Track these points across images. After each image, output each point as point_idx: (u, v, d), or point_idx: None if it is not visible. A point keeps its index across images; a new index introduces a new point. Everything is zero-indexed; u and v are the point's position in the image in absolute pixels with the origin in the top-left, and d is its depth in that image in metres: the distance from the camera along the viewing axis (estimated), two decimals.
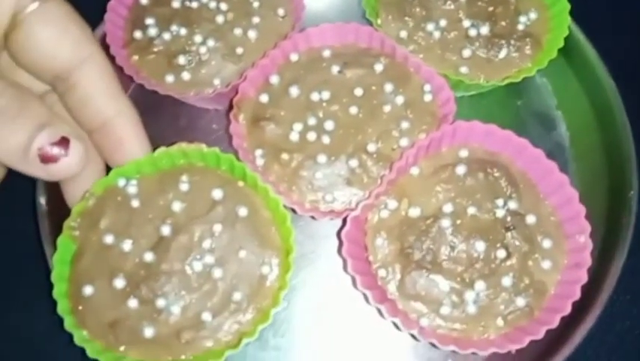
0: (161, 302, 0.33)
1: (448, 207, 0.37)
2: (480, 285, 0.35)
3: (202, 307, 0.34)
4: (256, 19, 0.43)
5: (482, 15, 0.43)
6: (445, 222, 0.36)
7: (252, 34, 0.43)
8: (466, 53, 0.43)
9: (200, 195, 0.36)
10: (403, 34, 0.43)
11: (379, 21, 0.43)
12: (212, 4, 0.43)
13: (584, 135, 0.46)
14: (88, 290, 0.34)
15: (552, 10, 0.44)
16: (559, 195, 0.38)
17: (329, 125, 0.39)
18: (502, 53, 0.43)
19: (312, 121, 0.40)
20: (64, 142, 0.23)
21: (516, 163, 0.39)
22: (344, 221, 0.37)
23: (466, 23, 0.43)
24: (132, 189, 0.36)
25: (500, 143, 0.39)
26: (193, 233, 0.35)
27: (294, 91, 0.40)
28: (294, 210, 0.39)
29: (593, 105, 0.45)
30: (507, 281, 0.36)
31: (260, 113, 0.40)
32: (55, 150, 0.23)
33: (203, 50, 0.42)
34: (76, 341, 0.32)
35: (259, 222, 0.36)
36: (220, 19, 0.43)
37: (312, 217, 0.39)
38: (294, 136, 0.39)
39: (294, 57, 0.42)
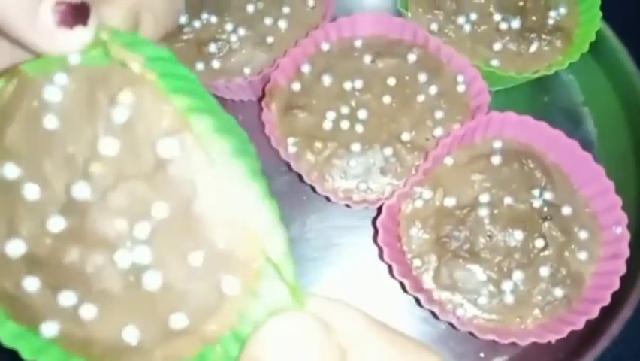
0: (66, 297, 0.18)
1: (484, 197, 0.37)
2: (518, 275, 0.35)
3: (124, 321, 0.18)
4: (286, 9, 0.43)
5: (512, 9, 0.43)
6: (483, 212, 0.36)
7: (282, 23, 0.43)
8: (497, 46, 0.43)
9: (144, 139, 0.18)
10: (434, 26, 0.43)
11: (410, 13, 0.43)
12: None
13: (611, 131, 0.46)
14: None
15: (582, 5, 0.44)
16: (594, 186, 0.38)
17: (362, 114, 0.39)
18: (533, 47, 0.43)
19: (344, 110, 0.39)
20: (84, 7, 0.16)
21: (550, 154, 0.39)
22: (378, 210, 0.37)
23: (497, 17, 0.43)
24: (53, 94, 0.17)
25: (534, 134, 0.39)
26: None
27: (327, 80, 0.40)
28: (327, 199, 0.38)
29: (621, 101, 0.45)
30: (545, 271, 0.35)
31: (292, 102, 0.40)
32: (75, 13, 0.16)
33: (233, 38, 0.42)
34: None
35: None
36: (251, 8, 0.43)
37: (347, 205, 0.38)
38: (327, 124, 0.39)
39: (325, 46, 0.42)
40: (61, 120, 0.17)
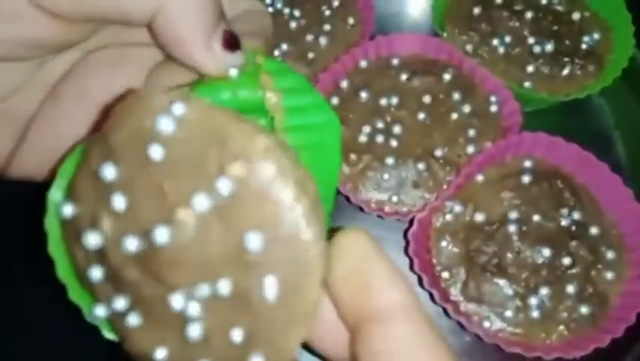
0: (119, 300, 0.18)
1: (513, 214, 0.38)
2: (544, 291, 0.36)
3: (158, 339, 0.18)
4: (327, 27, 0.45)
5: (546, 33, 0.45)
6: (511, 228, 0.37)
7: (322, 40, 0.45)
8: (530, 68, 0.44)
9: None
10: (469, 47, 0.45)
11: (446, 34, 0.45)
12: (286, 10, 0.45)
13: None
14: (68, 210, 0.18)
15: (615, 31, 0.45)
16: (622, 208, 0.38)
17: (397, 129, 0.41)
18: (566, 70, 0.44)
19: (380, 124, 0.41)
20: (236, 35, 0.20)
21: (579, 175, 0.40)
22: (410, 222, 0.38)
23: (531, 40, 0.45)
24: (166, 125, 0.16)
25: (564, 155, 0.40)
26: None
27: (364, 95, 0.42)
28: (360, 209, 0.40)
29: None
30: (571, 289, 0.36)
31: None
32: (234, 41, 0.19)
33: (276, 52, 0.44)
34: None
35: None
36: (293, 24, 0.45)
37: (379, 216, 0.40)
38: (363, 138, 0.41)
39: (363, 63, 0.43)
40: (165, 154, 0.16)
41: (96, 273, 0.18)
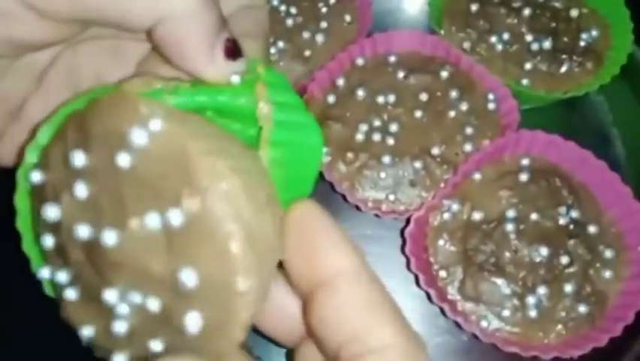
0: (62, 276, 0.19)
1: (511, 213, 0.38)
2: (542, 290, 0.36)
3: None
4: (324, 24, 0.45)
5: (544, 30, 0.44)
6: (509, 227, 0.37)
7: (319, 38, 0.44)
8: (528, 66, 0.44)
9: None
10: (466, 45, 0.44)
11: (443, 31, 0.45)
12: (283, 8, 0.45)
13: None
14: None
15: (614, 28, 0.45)
16: (620, 206, 0.38)
17: (394, 127, 0.40)
18: (564, 68, 0.44)
19: (377, 123, 0.41)
20: (238, 43, 0.19)
21: (577, 174, 0.40)
22: (407, 221, 0.38)
23: (529, 37, 0.44)
24: (139, 137, 0.16)
25: (562, 153, 0.40)
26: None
27: (360, 93, 0.41)
28: (357, 208, 0.39)
29: None
30: (569, 288, 0.36)
31: (326, 113, 0.41)
32: (235, 49, 0.19)
33: (272, 50, 0.44)
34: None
35: None
36: (290, 22, 0.45)
37: (376, 215, 0.40)
38: (360, 136, 0.40)
39: (360, 61, 0.43)
40: (132, 164, 0.16)
41: (48, 241, 0.19)
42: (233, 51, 0.19)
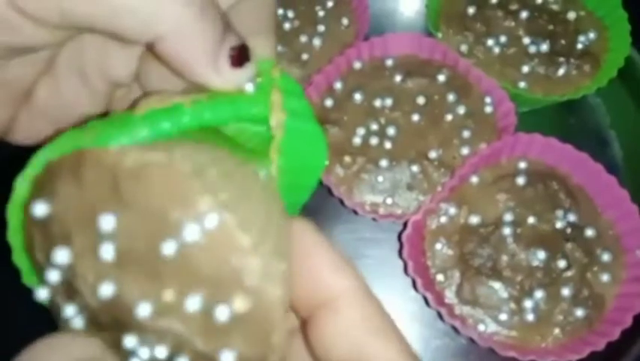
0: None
1: (508, 216, 0.38)
2: (539, 294, 0.36)
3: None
4: (321, 28, 0.45)
5: (542, 33, 0.44)
6: (506, 231, 0.37)
7: (316, 41, 0.44)
8: (525, 69, 0.44)
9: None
10: (464, 47, 0.44)
11: (440, 34, 0.45)
12: (280, 12, 0.45)
13: (637, 155, 0.46)
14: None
15: (611, 31, 0.45)
16: (618, 209, 0.38)
17: (391, 131, 0.40)
18: (561, 71, 0.44)
19: (374, 126, 0.41)
20: (246, 47, 0.18)
21: (574, 177, 0.40)
22: (404, 224, 0.38)
23: (526, 40, 0.44)
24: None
25: (559, 156, 0.40)
26: None
27: (358, 97, 0.42)
28: (355, 212, 0.39)
29: None
30: (566, 292, 0.36)
31: (324, 117, 0.41)
32: (243, 55, 0.19)
33: None
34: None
35: None
36: (287, 25, 0.45)
37: (373, 219, 0.40)
38: (357, 140, 0.40)
39: (357, 65, 0.43)
40: (177, 251, 0.15)
41: (53, 276, 0.17)
42: (239, 59, 0.18)
